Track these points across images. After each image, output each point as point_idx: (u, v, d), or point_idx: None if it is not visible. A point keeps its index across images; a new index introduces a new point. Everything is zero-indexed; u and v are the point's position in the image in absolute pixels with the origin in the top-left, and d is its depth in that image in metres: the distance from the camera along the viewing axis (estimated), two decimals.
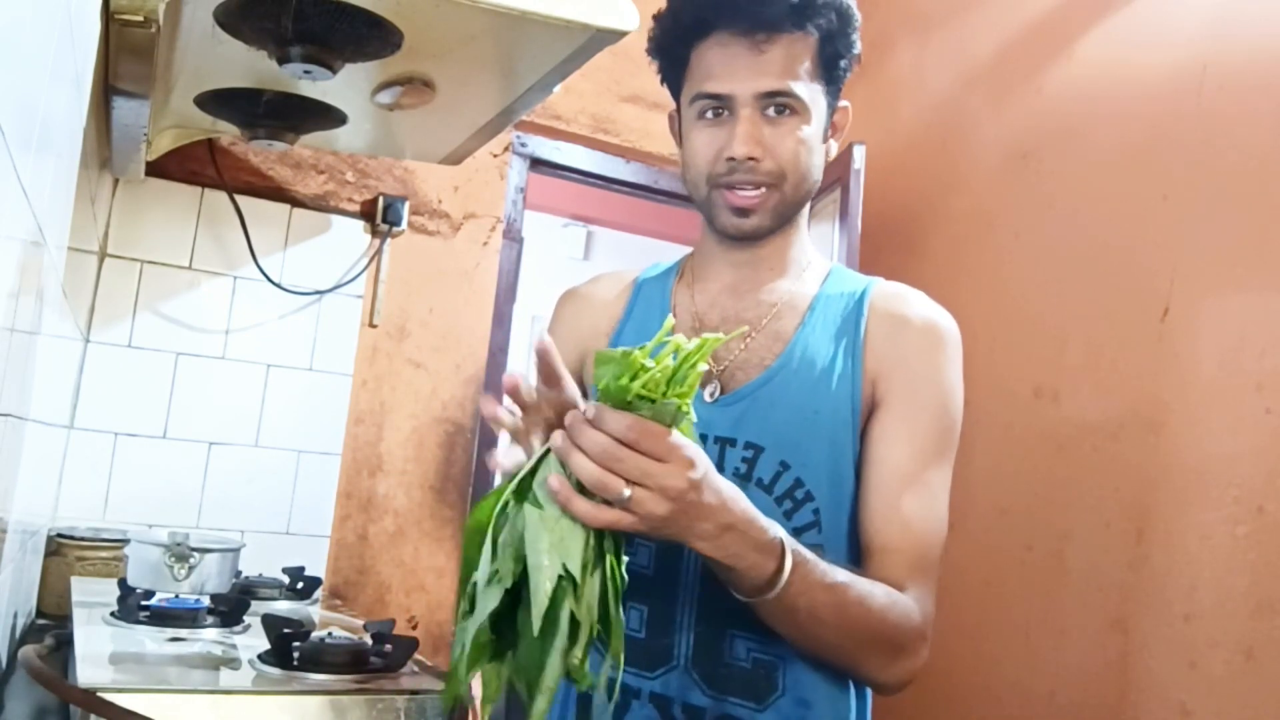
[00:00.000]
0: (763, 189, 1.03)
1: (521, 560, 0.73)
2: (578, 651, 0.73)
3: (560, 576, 0.72)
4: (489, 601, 0.74)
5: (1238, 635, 1.56)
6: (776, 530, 0.86)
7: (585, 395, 1.11)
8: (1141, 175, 1.86)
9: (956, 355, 1.06)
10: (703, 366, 0.77)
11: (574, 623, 0.73)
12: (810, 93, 1.03)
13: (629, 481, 0.75)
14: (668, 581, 1.02)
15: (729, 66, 1.02)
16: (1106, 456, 1.84)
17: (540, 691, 0.73)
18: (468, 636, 0.75)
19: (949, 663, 2.08)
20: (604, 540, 0.77)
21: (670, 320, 0.79)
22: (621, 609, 0.78)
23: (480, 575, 0.75)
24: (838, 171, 2.34)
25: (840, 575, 0.91)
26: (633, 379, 0.76)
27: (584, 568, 0.74)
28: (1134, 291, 1.83)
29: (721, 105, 1.03)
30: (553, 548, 0.73)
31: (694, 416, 0.80)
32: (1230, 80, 1.73)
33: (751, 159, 1.01)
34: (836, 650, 0.95)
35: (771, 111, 1.02)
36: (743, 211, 1.04)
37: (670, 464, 0.77)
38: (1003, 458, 2.06)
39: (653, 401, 0.77)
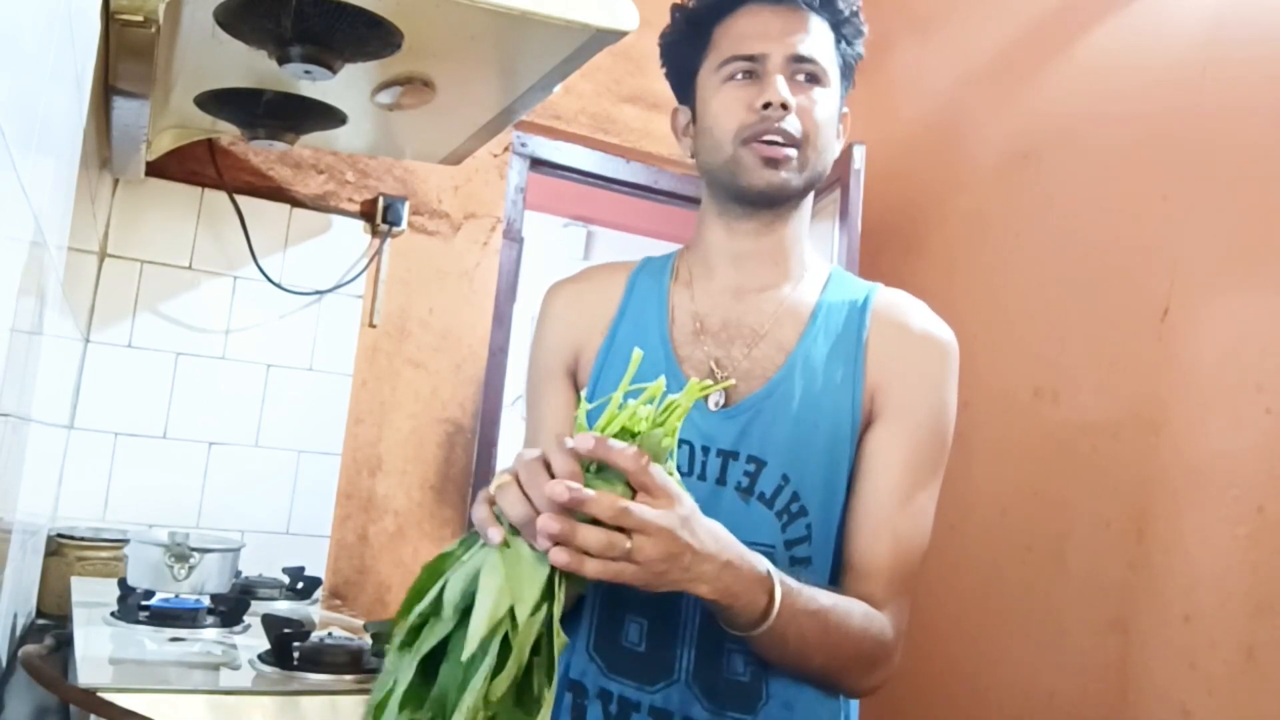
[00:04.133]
0: (789, 145, 1.03)
1: (470, 596, 0.72)
2: (500, 685, 0.71)
3: (508, 610, 0.71)
4: (432, 636, 0.72)
5: (1238, 635, 1.56)
6: (764, 563, 0.88)
7: (579, 395, 1.11)
8: (1141, 175, 1.86)
9: (954, 371, 1.06)
10: (685, 402, 0.79)
11: (504, 654, 0.71)
12: (832, 70, 1.07)
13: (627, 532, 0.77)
14: (669, 597, 1.00)
15: (763, 30, 1.04)
16: (1106, 456, 1.84)
17: (458, 712, 0.71)
18: (401, 672, 0.73)
19: (949, 663, 2.08)
20: (555, 588, 0.75)
21: (638, 353, 0.83)
22: (555, 662, 0.75)
23: (424, 607, 0.74)
24: (838, 171, 2.34)
25: (823, 599, 0.93)
26: (617, 424, 0.78)
27: (534, 609, 0.73)
28: (1134, 291, 1.83)
29: (753, 67, 1.04)
30: (505, 583, 0.72)
31: (675, 467, 0.82)
32: (1230, 80, 1.73)
33: (784, 107, 1.02)
34: (819, 669, 0.97)
35: (801, 77, 1.04)
36: (773, 163, 1.03)
37: (659, 500, 0.78)
38: (1003, 458, 2.06)
39: (635, 435, 0.78)
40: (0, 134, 0.63)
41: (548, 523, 0.74)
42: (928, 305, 1.10)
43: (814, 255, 1.14)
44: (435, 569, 0.76)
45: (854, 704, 1.08)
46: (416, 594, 0.75)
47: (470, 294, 2.41)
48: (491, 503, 0.80)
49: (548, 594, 0.74)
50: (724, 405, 1.04)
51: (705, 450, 1.02)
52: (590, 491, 0.75)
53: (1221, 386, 1.65)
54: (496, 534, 0.75)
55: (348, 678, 1.25)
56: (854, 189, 2.30)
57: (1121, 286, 1.86)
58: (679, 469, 1.00)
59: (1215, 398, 1.66)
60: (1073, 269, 1.98)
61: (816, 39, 1.05)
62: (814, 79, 1.04)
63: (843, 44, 1.08)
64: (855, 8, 1.08)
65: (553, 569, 0.75)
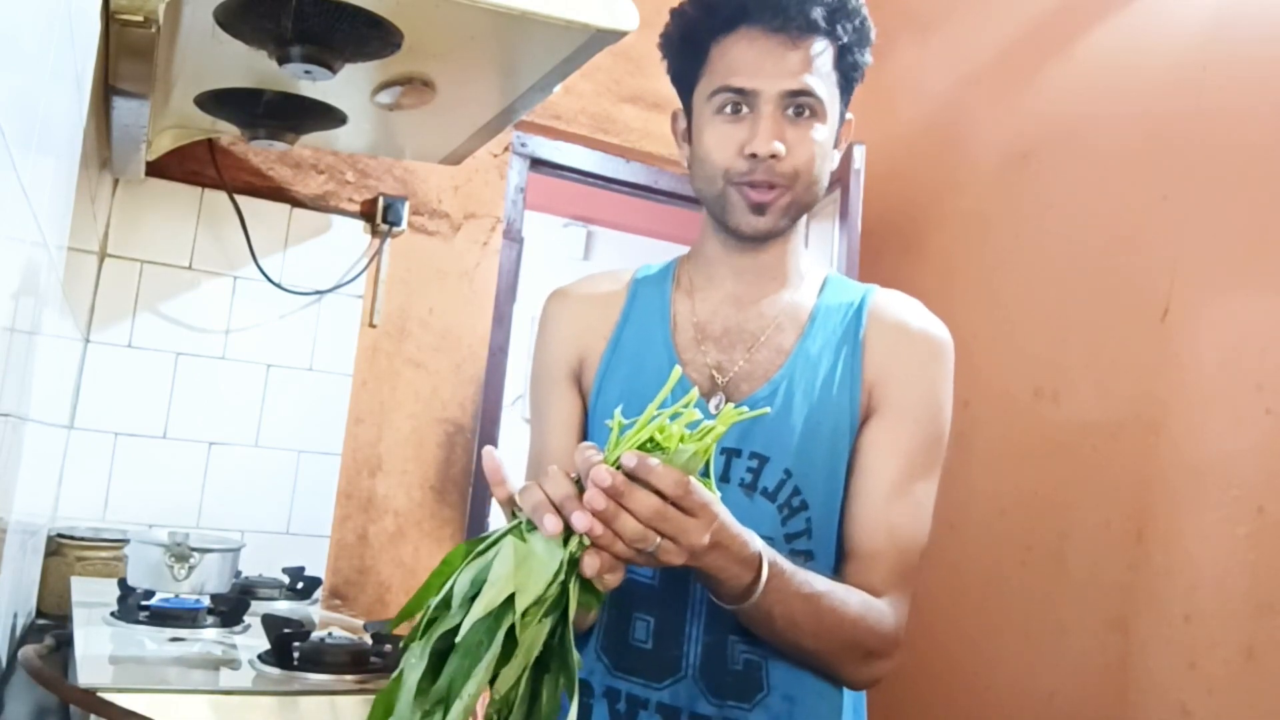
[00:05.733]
0: (778, 189, 1.02)
1: (479, 585, 0.72)
2: (505, 680, 0.71)
3: (510, 595, 0.71)
4: (441, 627, 0.72)
5: (1238, 635, 1.56)
6: (757, 544, 0.88)
7: (584, 401, 1.11)
8: (1141, 175, 1.86)
9: (950, 369, 1.08)
10: (720, 427, 0.80)
11: (510, 647, 0.72)
12: (829, 97, 1.04)
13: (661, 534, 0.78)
14: (675, 593, 1.02)
15: (757, 62, 1.01)
16: (1106, 456, 1.84)
17: (458, 697, 0.71)
18: (411, 664, 0.73)
19: (949, 663, 2.08)
20: (568, 594, 0.75)
21: (678, 370, 0.84)
22: (573, 676, 0.75)
23: (438, 601, 0.74)
24: (838, 171, 2.33)
25: (819, 585, 0.94)
26: (646, 433, 0.79)
27: (539, 601, 0.73)
28: (1134, 291, 1.83)
29: (743, 101, 1.02)
30: (513, 571, 0.72)
31: (714, 484, 0.83)
32: (1230, 80, 1.73)
33: (774, 157, 1.00)
34: (811, 653, 0.98)
35: (792, 111, 1.01)
36: (759, 208, 1.03)
37: (699, 520, 0.79)
38: (1003, 458, 2.06)
39: (663, 449, 0.79)
40: (0, 134, 0.63)
41: (595, 497, 0.75)
42: (926, 305, 1.11)
43: (810, 261, 1.15)
44: (448, 563, 0.76)
45: (861, 701, 1.08)
46: (427, 589, 0.75)
47: (470, 294, 2.41)
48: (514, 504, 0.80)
49: (559, 599, 0.74)
50: (724, 405, 1.04)
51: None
52: (655, 460, 0.77)
53: (1221, 386, 1.65)
54: (553, 523, 0.75)
55: (348, 678, 1.25)
56: (854, 189, 2.30)
57: (1121, 286, 1.86)
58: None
59: (1215, 398, 1.66)
60: (1073, 269, 1.98)
61: (815, 66, 1.01)
62: (810, 112, 1.02)
63: (848, 57, 1.04)
64: (860, 20, 1.04)
65: (561, 567, 0.75)
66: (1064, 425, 1.94)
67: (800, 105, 1.01)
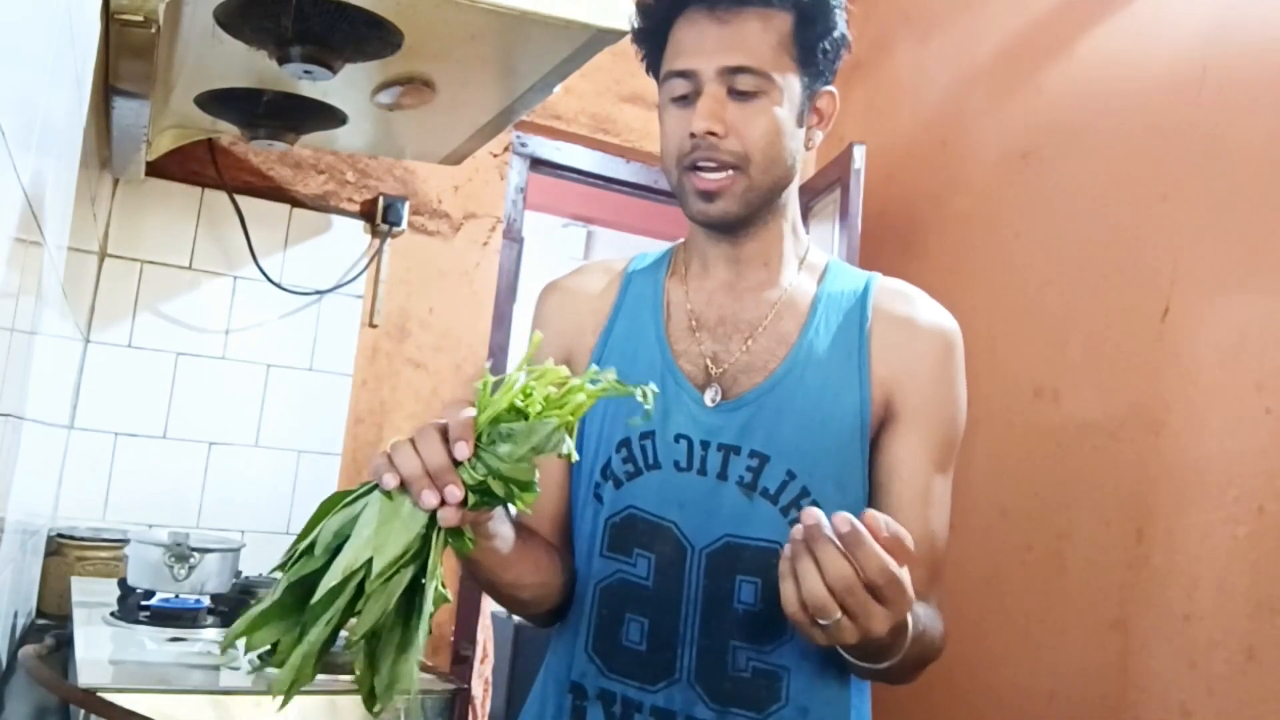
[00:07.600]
0: (729, 171, 0.99)
1: (342, 538, 0.74)
2: (365, 621, 0.75)
3: (366, 561, 0.73)
4: (301, 569, 0.75)
5: (1238, 635, 1.56)
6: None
7: None
8: (1141, 175, 1.86)
9: (962, 360, 1.06)
10: (580, 397, 0.77)
11: (357, 600, 0.74)
12: (781, 72, 0.99)
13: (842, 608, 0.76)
14: (669, 595, 1.00)
15: (695, 43, 1.00)
16: (1106, 456, 1.84)
17: (301, 644, 0.74)
18: (270, 594, 0.76)
19: (949, 662, 2.07)
20: (430, 544, 0.76)
21: (538, 335, 0.82)
22: (427, 624, 0.77)
23: (304, 542, 0.76)
24: (838, 171, 2.34)
25: (921, 620, 0.92)
26: (508, 395, 0.78)
27: (395, 561, 0.74)
28: (1134, 291, 1.83)
29: (687, 86, 1.00)
30: (374, 534, 0.74)
31: (573, 449, 0.78)
32: (1230, 80, 1.73)
33: (712, 134, 0.97)
34: (897, 679, 0.97)
35: (738, 90, 0.98)
36: (708, 195, 1.00)
37: (888, 610, 0.76)
38: (1003, 458, 2.06)
39: (525, 416, 0.77)
40: (0, 134, 0.63)
41: (793, 543, 0.77)
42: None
43: (809, 244, 1.12)
44: (325, 508, 0.78)
45: (867, 704, 1.08)
46: (307, 529, 0.77)
47: (470, 294, 2.41)
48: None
49: (420, 550, 0.76)
50: (723, 399, 1.02)
51: (705, 445, 1.00)
52: (869, 531, 0.75)
53: (1221, 386, 1.65)
54: (392, 479, 0.76)
55: (347, 678, 1.25)
56: (854, 189, 2.30)
57: (1121, 286, 1.86)
58: (677, 464, 1.00)
59: (1215, 398, 1.66)
60: (1073, 269, 1.98)
61: (758, 41, 0.98)
62: (754, 88, 0.98)
63: (807, 26, 1.00)
64: None
65: (429, 525, 0.76)
66: (1064, 425, 1.93)
67: (745, 82, 0.98)
